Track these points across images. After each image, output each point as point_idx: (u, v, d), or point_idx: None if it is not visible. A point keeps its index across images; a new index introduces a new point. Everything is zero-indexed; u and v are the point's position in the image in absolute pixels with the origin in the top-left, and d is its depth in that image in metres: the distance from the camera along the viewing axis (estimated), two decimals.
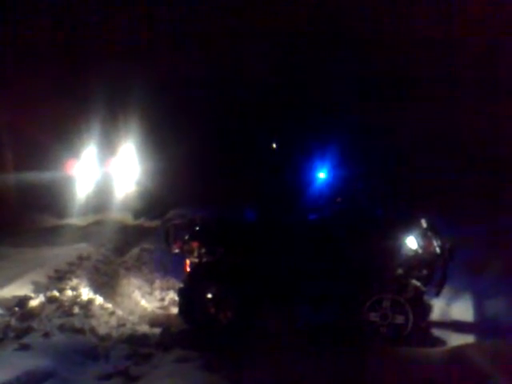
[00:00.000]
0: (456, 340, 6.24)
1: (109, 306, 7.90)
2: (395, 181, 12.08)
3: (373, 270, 6.43)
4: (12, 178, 13.16)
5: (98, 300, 8.02)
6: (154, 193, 13.48)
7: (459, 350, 5.52)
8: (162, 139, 13.27)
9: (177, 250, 7.32)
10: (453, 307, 7.32)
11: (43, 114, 12.86)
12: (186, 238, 7.18)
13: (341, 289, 6.57)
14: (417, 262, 6.54)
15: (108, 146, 13.56)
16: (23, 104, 12.87)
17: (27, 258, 9.97)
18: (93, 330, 6.80)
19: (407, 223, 6.76)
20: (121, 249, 11.45)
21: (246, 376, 5.16)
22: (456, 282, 7.56)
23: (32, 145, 12.99)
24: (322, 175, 7.40)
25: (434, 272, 6.67)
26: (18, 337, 6.33)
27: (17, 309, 7.35)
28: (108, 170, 13.83)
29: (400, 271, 6.43)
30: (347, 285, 6.51)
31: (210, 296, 6.83)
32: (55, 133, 12.93)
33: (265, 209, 7.24)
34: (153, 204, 13.70)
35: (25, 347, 5.89)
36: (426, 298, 6.41)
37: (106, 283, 9.31)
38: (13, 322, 6.93)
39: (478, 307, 7.18)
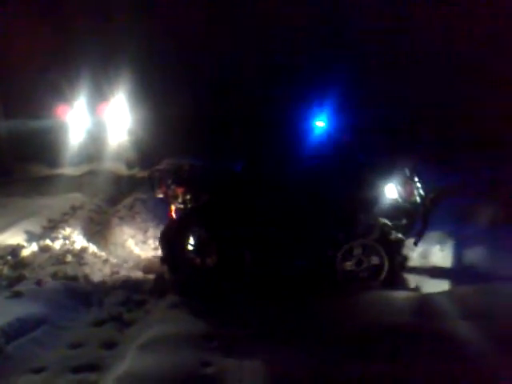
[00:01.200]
0: (431, 286, 6.28)
1: (102, 254, 7.90)
2: (390, 129, 11.93)
3: (341, 221, 6.34)
4: (2, 126, 12.91)
5: (92, 248, 8.02)
6: (148, 142, 13.27)
7: (429, 296, 5.63)
8: (155, 87, 12.99)
9: (161, 195, 7.27)
10: (434, 254, 7.32)
11: (33, 59, 12.56)
12: (169, 182, 7.09)
13: (313, 242, 6.50)
14: (396, 211, 6.46)
15: (99, 94, 13.25)
16: (11, 49, 12.55)
17: (20, 207, 9.91)
18: (86, 278, 6.80)
19: (386, 171, 6.59)
20: (114, 198, 11.37)
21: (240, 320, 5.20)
22: (440, 229, 7.58)
23: (22, 92, 12.69)
24: (320, 124, 7.24)
25: (414, 221, 6.62)
26: (11, 285, 6.32)
27: (9, 257, 7.33)
28: (100, 118, 13.56)
29: (364, 215, 6.32)
30: (319, 238, 6.44)
31: (192, 242, 6.76)
32: (45, 79, 12.61)
33: (252, 157, 7.07)
34: (146, 154, 13.52)
35: (17, 295, 5.86)
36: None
37: (99, 232, 9.29)
38: (5, 270, 6.93)
39: (459, 255, 7.15)
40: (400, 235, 6.27)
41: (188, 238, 6.74)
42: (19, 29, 12.84)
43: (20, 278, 6.53)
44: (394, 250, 6.22)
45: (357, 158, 6.89)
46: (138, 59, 12.68)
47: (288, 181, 6.64)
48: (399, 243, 6.26)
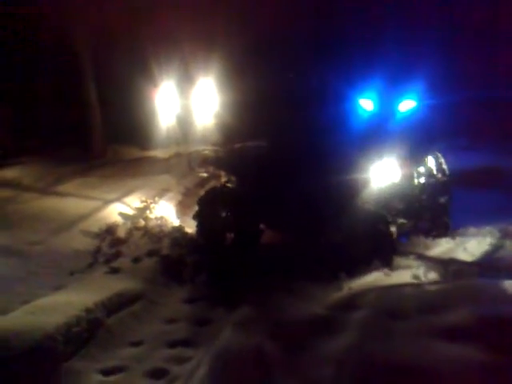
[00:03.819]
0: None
1: (193, 235, 8.06)
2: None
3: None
4: (97, 110, 13.41)
5: (182, 229, 8.21)
6: (233, 126, 13.36)
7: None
8: (242, 72, 13.03)
9: (205, 174, 7.92)
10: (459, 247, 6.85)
11: (127, 41, 12.93)
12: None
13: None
14: (391, 195, 6.27)
15: (187, 78, 13.46)
16: (105, 37, 12.99)
17: (113, 188, 10.31)
18: (178, 257, 6.98)
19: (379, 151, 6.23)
20: (201, 181, 11.59)
21: None
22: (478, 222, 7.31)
23: (115, 74, 13.08)
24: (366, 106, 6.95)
25: (412, 207, 6.53)
26: (108, 261, 6.65)
27: (106, 235, 7.69)
28: (188, 102, 13.79)
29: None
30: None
31: (218, 219, 7.09)
32: (138, 61, 12.95)
33: (276, 141, 7.08)
34: (231, 137, 13.61)
35: (115, 271, 6.17)
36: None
37: (188, 214, 9.49)
38: (103, 247, 7.28)
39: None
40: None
41: (216, 216, 7.08)
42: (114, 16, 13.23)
43: (117, 255, 6.84)
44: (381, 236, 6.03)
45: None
46: (227, 43, 12.76)
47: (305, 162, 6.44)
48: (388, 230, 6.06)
